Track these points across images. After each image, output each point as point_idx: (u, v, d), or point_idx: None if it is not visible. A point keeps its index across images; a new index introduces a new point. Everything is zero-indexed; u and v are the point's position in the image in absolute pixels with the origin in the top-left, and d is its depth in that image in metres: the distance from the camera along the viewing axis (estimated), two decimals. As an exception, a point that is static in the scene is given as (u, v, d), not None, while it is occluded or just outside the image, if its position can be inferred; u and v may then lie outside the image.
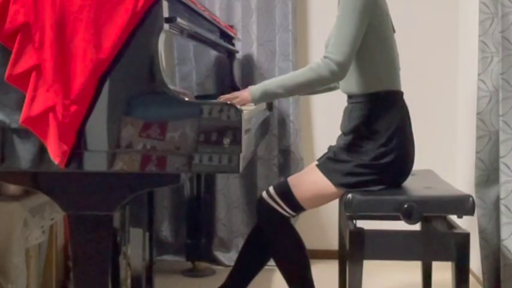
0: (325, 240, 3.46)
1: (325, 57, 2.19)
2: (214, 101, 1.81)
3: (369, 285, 2.63)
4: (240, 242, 3.32)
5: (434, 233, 2.30)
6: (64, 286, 2.64)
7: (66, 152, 1.64)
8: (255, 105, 2.27)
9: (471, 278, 2.43)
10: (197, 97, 2.50)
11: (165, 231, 3.51)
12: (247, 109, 2.19)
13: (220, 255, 3.43)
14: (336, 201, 2.44)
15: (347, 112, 2.38)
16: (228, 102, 2.09)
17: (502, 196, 2.50)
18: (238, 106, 1.66)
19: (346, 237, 2.26)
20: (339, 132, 2.43)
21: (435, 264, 2.62)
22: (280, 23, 3.41)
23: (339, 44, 2.17)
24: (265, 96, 2.23)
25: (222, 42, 2.85)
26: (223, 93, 2.35)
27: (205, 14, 2.48)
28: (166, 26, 1.70)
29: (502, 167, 2.50)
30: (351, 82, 2.33)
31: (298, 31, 3.47)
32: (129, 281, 2.38)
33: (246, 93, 2.21)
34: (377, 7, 2.25)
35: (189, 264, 3.35)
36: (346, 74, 2.20)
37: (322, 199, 2.33)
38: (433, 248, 2.15)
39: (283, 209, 2.31)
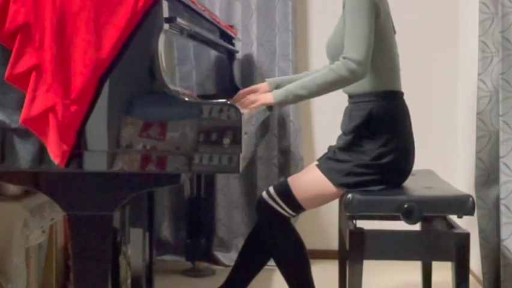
0: (325, 240, 3.46)
1: (344, 57, 2.19)
2: (222, 100, 1.81)
3: (369, 285, 2.63)
4: (240, 242, 3.32)
5: (434, 233, 2.30)
6: (64, 286, 2.64)
7: (66, 152, 1.64)
8: (274, 106, 2.31)
9: (471, 278, 2.43)
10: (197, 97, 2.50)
11: (165, 231, 3.51)
12: (247, 109, 2.19)
13: (220, 255, 3.43)
14: (336, 201, 2.44)
15: (347, 112, 2.39)
16: (251, 104, 2.18)
17: (502, 196, 2.50)
18: (240, 108, 1.66)
19: (346, 237, 2.26)
20: (339, 132, 2.43)
21: (435, 264, 2.62)
22: (280, 23, 3.41)
23: (354, 43, 2.17)
24: (287, 99, 2.23)
25: (222, 42, 2.85)
26: (223, 93, 2.35)
27: (205, 14, 2.48)
28: (166, 26, 1.70)
29: (502, 167, 2.50)
30: (351, 82, 2.33)
31: (298, 31, 3.47)
32: (129, 281, 2.38)
33: (269, 97, 2.23)
34: (380, 7, 2.25)
35: (189, 264, 3.35)
36: (367, 71, 2.20)
37: (322, 199, 2.33)
38: (433, 248, 2.15)
39: (283, 209, 2.31)
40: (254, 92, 2.44)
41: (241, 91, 2.49)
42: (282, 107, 3.37)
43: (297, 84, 2.24)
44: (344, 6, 2.26)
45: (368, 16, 2.19)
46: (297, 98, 2.27)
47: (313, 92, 2.22)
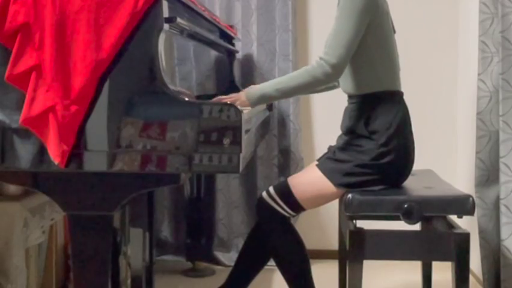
0: (325, 240, 3.46)
1: (320, 58, 2.19)
2: (213, 100, 1.82)
3: (369, 285, 2.63)
4: (240, 242, 3.32)
5: (434, 233, 2.30)
6: (64, 286, 2.65)
7: (66, 152, 1.64)
8: (252, 108, 2.27)
9: (471, 278, 2.43)
10: (197, 97, 2.49)
11: (165, 231, 3.51)
12: (247, 109, 2.19)
13: (220, 255, 3.43)
14: (336, 201, 2.44)
15: (347, 112, 2.39)
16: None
17: (502, 196, 2.50)
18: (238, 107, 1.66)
19: (346, 237, 2.26)
20: (339, 132, 2.43)
21: (435, 264, 2.62)
22: (280, 23, 3.41)
23: (335, 46, 2.18)
24: (262, 100, 2.24)
25: (221, 42, 2.85)
26: (223, 93, 2.35)
27: (205, 14, 2.48)
28: (166, 26, 1.70)
29: (502, 167, 2.50)
30: (351, 82, 2.34)
31: (298, 31, 3.47)
32: (129, 281, 2.38)
33: (243, 97, 2.21)
34: (377, 7, 2.25)
35: (189, 264, 3.35)
36: (340, 75, 2.22)
37: (322, 199, 2.33)
38: (433, 248, 2.15)
39: (283, 209, 2.31)
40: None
41: (218, 98, 2.37)
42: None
43: (272, 85, 2.24)
44: (338, 3, 2.26)
45: (357, 20, 2.19)
46: (272, 100, 2.39)
47: (287, 93, 2.26)
